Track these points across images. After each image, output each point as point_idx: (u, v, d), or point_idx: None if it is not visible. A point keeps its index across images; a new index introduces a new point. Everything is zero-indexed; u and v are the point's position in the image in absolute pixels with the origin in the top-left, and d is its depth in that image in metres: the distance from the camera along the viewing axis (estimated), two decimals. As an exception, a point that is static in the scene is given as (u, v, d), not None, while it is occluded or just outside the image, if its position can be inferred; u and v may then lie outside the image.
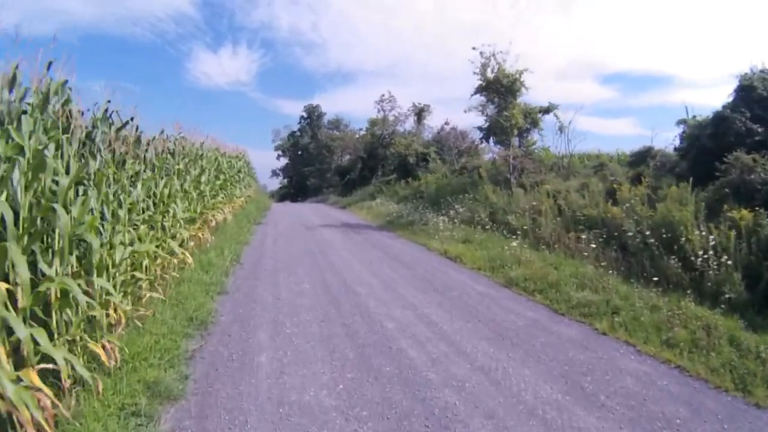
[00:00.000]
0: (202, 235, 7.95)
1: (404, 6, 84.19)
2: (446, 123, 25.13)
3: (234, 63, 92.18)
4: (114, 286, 4.58)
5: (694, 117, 12.69)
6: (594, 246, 8.09)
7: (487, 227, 11.86)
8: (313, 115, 51.07)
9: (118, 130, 5.50)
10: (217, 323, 5.54)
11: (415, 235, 12.52)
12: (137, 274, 4.59)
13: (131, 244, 4.99)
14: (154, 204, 5.81)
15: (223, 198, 11.25)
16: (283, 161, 54.11)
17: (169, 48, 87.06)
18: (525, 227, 10.61)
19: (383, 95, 30.59)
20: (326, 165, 45.02)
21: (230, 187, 12.93)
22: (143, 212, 5.46)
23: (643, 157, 13.46)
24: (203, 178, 8.87)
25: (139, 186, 5.13)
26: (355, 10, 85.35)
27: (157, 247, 5.55)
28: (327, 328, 5.50)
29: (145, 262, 5.26)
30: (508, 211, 12.13)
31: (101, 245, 4.12)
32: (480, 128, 18.30)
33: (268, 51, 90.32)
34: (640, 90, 74.19)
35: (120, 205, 4.65)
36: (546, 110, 17.61)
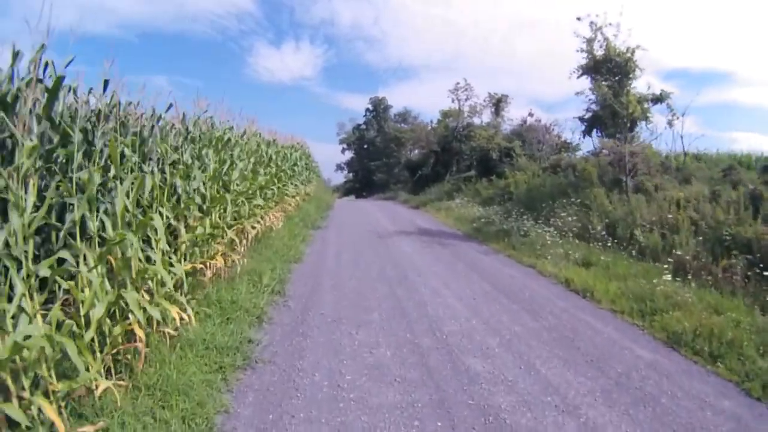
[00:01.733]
0: (225, 261, 5.27)
1: (461, -1, 79.80)
2: (530, 114, 21.35)
3: (297, 58, 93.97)
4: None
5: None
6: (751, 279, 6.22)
7: (608, 244, 9.03)
8: (378, 108, 48.54)
9: (51, 95, 2.94)
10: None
11: (518, 252, 9.42)
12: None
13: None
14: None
15: (267, 200, 8.58)
16: (348, 155, 52.32)
17: (230, 44, 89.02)
18: (658, 247, 8.10)
19: (458, 83, 27.24)
20: (394, 159, 42.27)
21: (280, 183, 10.27)
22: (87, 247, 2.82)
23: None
24: (235, 174, 6.24)
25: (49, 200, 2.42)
26: (413, 3, 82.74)
27: (109, 310, 2.90)
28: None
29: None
30: (630, 224, 9.29)
31: None
32: (581, 119, 14.76)
33: (331, 46, 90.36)
34: (700, 87, 66.62)
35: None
36: (658, 99, 13.90)
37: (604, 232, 9.63)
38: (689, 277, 6.73)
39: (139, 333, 2.98)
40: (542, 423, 3.35)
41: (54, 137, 3.05)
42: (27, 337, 2.30)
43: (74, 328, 2.65)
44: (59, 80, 2.87)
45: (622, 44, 12.41)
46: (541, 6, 72.57)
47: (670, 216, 9.06)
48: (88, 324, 2.78)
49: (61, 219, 2.94)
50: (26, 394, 2.33)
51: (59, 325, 2.48)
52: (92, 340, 2.89)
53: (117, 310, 3.10)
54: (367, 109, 49.28)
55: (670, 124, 13.62)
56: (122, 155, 3.57)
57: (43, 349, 2.40)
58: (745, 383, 4.12)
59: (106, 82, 3.73)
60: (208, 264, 4.78)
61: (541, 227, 10.94)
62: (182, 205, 4.27)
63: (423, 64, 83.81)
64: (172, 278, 3.59)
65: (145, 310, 3.06)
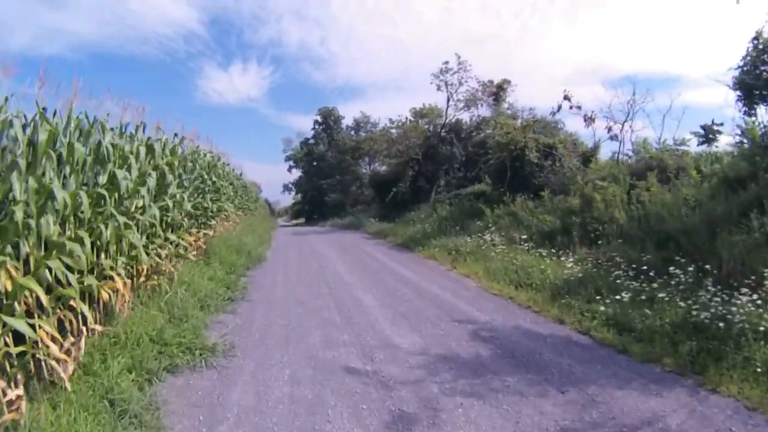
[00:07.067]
0: None
1: (409, 18, 79.24)
2: (566, 97, 13.35)
3: (245, 80, 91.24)
4: None
5: None
6: None
7: None
8: (329, 120, 40.48)
9: None
10: None
11: None
12: None
13: None
14: None
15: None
16: (296, 174, 44.09)
17: (179, 66, 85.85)
18: None
19: (446, 63, 19.63)
20: (350, 176, 34.34)
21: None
22: None
23: None
24: None
25: None
26: (360, 24, 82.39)
27: None
28: None
29: None
30: None
31: None
32: (739, 83, 7.42)
33: (278, 67, 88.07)
34: (649, 92, 64.41)
35: None
36: None
37: None
38: None
39: None
40: None
41: None
42: None
43: None
44: None
45: None
46: (488, 23, 70.08)
47: None
48: None
49: None
50: None
51: None
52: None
53: None
54: (316, 122, 40.84)
55: None
56: None
57: None
58: None
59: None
60: None
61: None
62: None
63: (370, 83, 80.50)
64: None
65: None
